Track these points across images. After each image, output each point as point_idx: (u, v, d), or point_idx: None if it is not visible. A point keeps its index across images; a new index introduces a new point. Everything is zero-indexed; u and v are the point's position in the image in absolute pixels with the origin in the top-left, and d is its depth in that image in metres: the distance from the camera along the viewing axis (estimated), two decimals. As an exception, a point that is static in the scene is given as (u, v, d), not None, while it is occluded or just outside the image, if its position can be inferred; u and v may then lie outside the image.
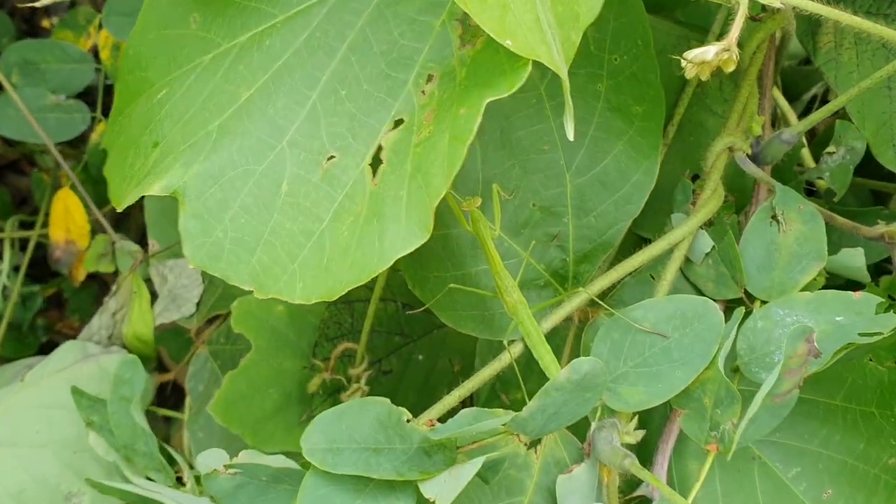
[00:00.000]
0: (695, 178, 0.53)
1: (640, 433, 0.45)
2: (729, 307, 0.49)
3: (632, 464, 0.42)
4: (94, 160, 0.90)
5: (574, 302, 0.47)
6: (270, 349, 0.66)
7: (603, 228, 0.49)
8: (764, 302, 0.47)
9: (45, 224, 0.91)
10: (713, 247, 0.48)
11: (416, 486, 0.40)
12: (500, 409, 0.41)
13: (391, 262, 0.32)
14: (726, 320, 0.44)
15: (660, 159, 0.49)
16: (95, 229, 0.89)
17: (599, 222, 0.49)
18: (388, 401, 0.41)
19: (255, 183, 0.36)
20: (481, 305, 0.49)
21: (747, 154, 0.50)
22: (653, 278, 0.50)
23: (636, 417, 0.45)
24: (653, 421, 0.48)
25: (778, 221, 0.48)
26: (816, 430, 0.47)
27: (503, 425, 0.41)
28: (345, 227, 0.33)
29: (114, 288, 0.79)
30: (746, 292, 0.48)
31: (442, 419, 0.43)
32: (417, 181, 0.34)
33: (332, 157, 0.37)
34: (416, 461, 0.40)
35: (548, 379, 0.41)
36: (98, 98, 0.87)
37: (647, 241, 0.49)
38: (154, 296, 0.78)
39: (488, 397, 0.63)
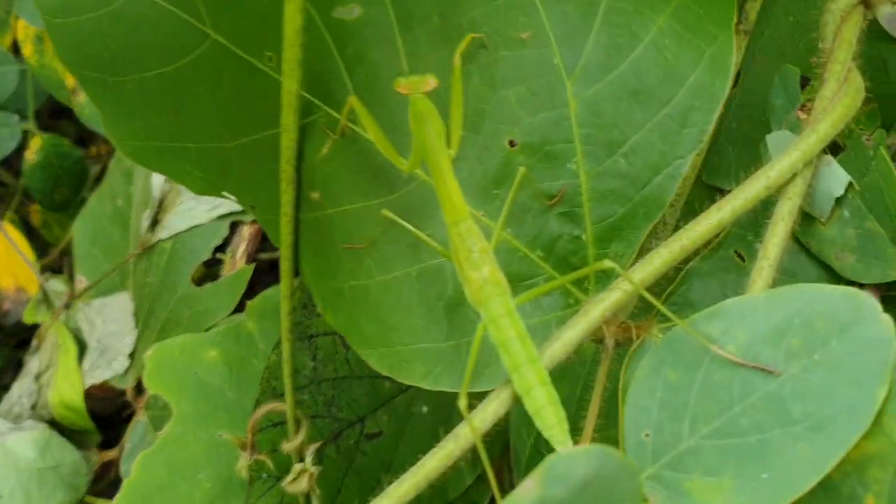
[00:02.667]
0: (804, 82, 0.31)
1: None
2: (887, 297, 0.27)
3: None
4: (35, 183, 0.72)
5: (604, 304, 0.25)
6: (199, 415, 0.47)
7: (642, 175, 0.27)
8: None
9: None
10: (850, 185, 0.25)
11: None
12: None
13: None
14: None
15: (736, 46, 0.27)
16: (49, 269, 0.72)
17: (634, 165, 0.27)
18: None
19: None
20: (436, 326, 0.27)
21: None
22: (741, 259, 0.28)
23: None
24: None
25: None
26: None
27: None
28: None
29: (34, 343, 0.61)
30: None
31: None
32: None
33: None
34: None
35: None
36: (28, 106, 0.70)
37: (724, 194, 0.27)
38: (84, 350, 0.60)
39: (530, 460, 0.44)
